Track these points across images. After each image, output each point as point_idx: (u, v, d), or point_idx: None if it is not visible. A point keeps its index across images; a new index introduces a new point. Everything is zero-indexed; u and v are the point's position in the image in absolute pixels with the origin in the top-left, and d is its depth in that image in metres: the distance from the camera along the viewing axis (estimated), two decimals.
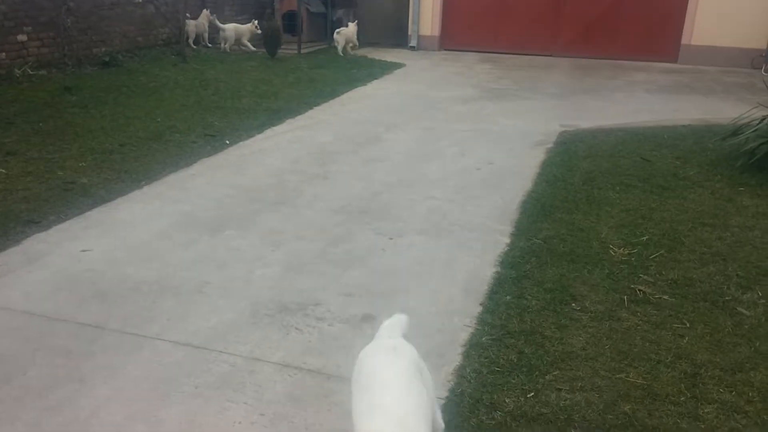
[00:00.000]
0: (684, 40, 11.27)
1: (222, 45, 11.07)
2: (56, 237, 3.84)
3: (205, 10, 11.27)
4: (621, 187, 4.85)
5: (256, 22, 11.09)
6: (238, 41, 11.17)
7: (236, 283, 3.35)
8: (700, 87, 9.23)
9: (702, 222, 4.20)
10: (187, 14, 10.79)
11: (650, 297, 3.23)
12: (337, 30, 11.42)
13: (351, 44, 11.51)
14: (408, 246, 3.88)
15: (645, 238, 3.95)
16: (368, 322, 3.00)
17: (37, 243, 3.74)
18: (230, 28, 10.95)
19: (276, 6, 11.99)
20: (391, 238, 3.96)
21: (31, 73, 7.56)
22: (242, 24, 11.30)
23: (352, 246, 3.85)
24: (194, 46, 10.84)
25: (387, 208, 4.46)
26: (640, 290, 3.29)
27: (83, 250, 3.67)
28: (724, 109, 7.40)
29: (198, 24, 11.08)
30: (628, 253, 3.73)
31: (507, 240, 3.95)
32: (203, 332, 2.89)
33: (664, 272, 3.50)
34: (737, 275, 3.48)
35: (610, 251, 3.75)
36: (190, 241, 3.84)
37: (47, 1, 8.06)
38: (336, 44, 11.27)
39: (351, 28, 11.43)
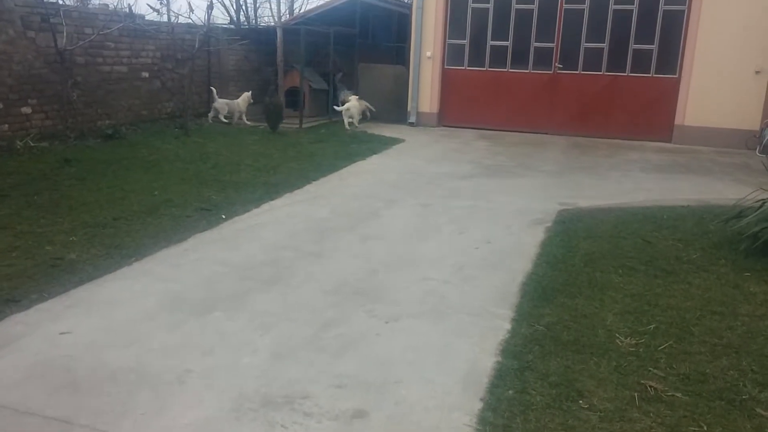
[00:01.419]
0: (677, 121, 11.45)
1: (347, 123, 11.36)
2: (36, 317, 3.66)
3: (246, 93, 11.54)
4: (623, 270, 4.72)
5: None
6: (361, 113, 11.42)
7: (220, 372, 3.15)
8: (696, 167, 9.27)
9: (710, 310, 4.04)
10: (214, 90, 11.16)
11: (662, 394, 3.02)
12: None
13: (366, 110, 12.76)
14: (403, 331, 3.70)
15: (652, 326, 3.78)
16: (360, 418, 2.79)
17: (15, 324, 3.56)
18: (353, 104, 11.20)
19: (279, 83, 12.26)
20: (386, 322, 3.79)
21: (32, 145, 7.57)
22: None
23: (345, 330, 3.67)
24: (225, 120, 11.06)
25: (383, 288, 4.31)
26: (651, 386, 3.09)
27: (62, 333, 3.48)
28: (721, 190, 7.38)
29: (231, 103, 11.27)
30: (636, 343, 3.55)
31: (507, 326, 3.78)
32: (179, 429, 2.67)
33: (674, 365, 3.31)
34: (752, 370, 3.29)
35: (617, 341, 3.58)
36: (175, 324, 3.66)
37: (54, 75, 8.17)
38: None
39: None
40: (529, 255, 5.04)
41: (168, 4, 11.67)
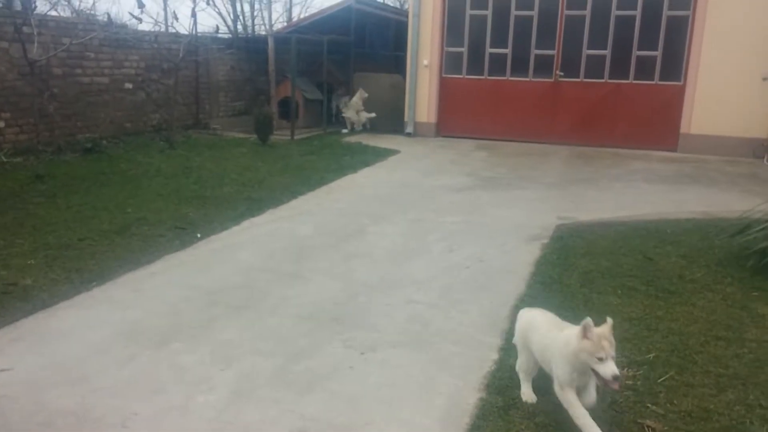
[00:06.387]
0: (683, 129, 11.09)
1: None
2: None
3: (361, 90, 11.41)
4: (623, 290, 4.38)
5: None
6: None
7: (169, 416, 2.83)
8: (702, 177, 8.90)
9: (715, 335, 3.70)
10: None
11: None
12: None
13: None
14: (380, 363, 3.37)
15: (652, 355, 3.44)
16: None
17: None
18: None
19: (271, 93, 12.00)
20: (362, 353, 3.47)
21: (5, 160, 7.27)
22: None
23: (316, 362, 3.35)
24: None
25: (362, 314, 3.99)
26: (649, 427, 2.76)
27: (1, 370, 3.18)
28: (728, 202, 7.03)
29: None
30: (633, 375, 3.21)
31: (495, 356, 3.45)
32: None
33: (675, 401, 2.98)
34: (760, 405, 2.96)
35: None
36: (129, 357, 3.34)
37: (29, 87, 7.87)
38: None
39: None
40: (523, 275, 4.71)
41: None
